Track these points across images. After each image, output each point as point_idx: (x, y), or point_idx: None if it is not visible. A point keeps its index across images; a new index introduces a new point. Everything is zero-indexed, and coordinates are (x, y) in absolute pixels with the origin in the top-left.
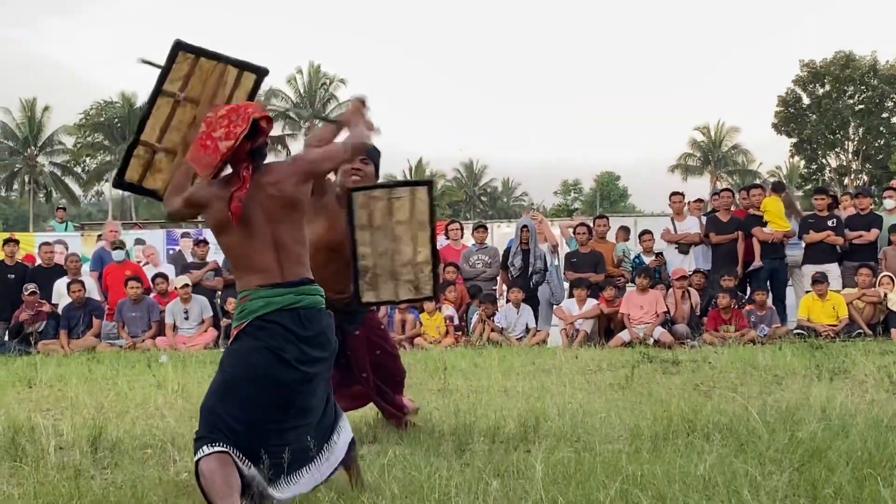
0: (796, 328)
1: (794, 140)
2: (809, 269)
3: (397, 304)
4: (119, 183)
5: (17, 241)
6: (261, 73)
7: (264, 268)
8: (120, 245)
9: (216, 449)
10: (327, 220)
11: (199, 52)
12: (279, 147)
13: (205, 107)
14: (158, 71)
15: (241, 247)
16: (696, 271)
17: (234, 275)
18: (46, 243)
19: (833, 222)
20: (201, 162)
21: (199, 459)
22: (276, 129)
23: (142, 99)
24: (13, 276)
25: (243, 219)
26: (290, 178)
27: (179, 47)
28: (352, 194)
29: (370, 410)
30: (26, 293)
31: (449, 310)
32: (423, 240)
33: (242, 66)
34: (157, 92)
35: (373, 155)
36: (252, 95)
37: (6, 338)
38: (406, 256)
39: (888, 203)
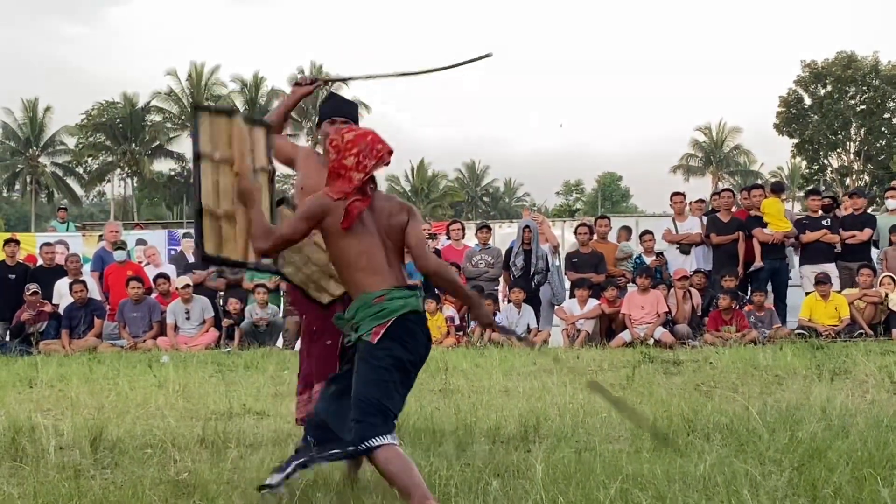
0: (797, 328)
1: (795, 140)
2: (807, 270)
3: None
4: (204, 256)
5: (17, 242)
6: (269, 128)
7: (382, 270)
8: (121, 245)
9: (391, 441)
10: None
11: (214, 111)
12: None
13: (240, 158)
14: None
15: (361, 248)
16: (696, 271)
17: (351, 280)
18: (48, 244)
19: (828, 222)
20: (335, 188)
21: (378, 446)
22: None
23: (143, 99)
24: (14, 276)
25: (366, 228)
26: (398, 222)
27: (197, 109)
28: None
29: None
30: (28, 293)
31: (450, 310)
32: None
33: (252, 122)
34: (196, 156)
35: (352, 113)
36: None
37: (7, 338)
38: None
39: (890, 203)
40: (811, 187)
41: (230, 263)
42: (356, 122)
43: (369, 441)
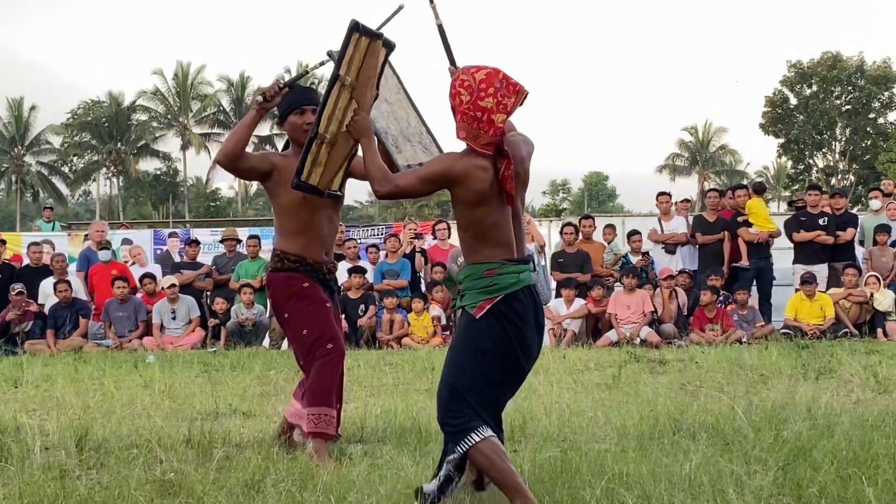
0: (783, 328)
1: (781, 140)
2: (800, 269)
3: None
4: (297, 184)
5: (3, 242)
6: (390, 47)
7: (507, 241)
8: (106, 245)
9: (488, 434)
10: None
11: (364, 32)
12: (267, 146)
13: (362, 88)
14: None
15: (493, 219)
16: (681, 271)
17: (470, 246)
18: (35, 243)
19: (824, 221)
20: (479, 141)
21: (472, 445)
22: (265, 129)
23: (129, 98)
24: (0, 275)
25: (501, 198)
26: (528, 159)
27: (354, 30)
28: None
29: (355, 410)
30: (13, 293)
31: (436, 310)
32: (406, 105)
33: (387, 46)
34: (335, 78)
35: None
36: (382, 69)
37: None
38: (403, 120)
39: (874, 204)
40: (811, 183)
41: (312, 190)
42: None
43: (464, 441)
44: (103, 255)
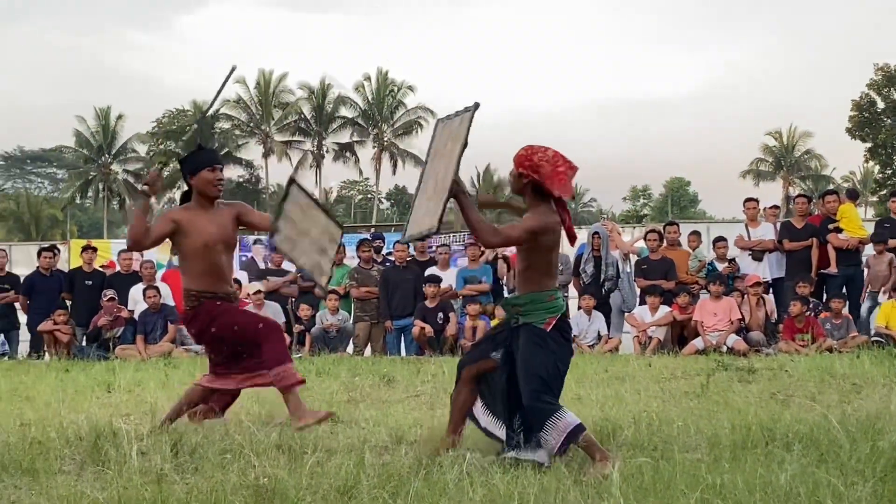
0: (874, 335)
1: (868, 144)
2: None
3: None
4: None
5: (94, 249)
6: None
7: (557, 274)
8: None
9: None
10: (217, 223)
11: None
12: (347, 154)
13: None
14: None
15: (556, 259)
16: (755, 283)
17: (536, 278)
18: (125, 250)
19: None
20: (566, 190)
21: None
22: (345, 137)
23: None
24: (90, 282)
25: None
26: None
27: (476, 109)
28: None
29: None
30: (105, 299)
31: None
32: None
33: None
34: (464, 145)
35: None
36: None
37: (84, 343)
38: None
39: None
40: (894, 189)
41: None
42: None
43: (555, 419)
44: None
